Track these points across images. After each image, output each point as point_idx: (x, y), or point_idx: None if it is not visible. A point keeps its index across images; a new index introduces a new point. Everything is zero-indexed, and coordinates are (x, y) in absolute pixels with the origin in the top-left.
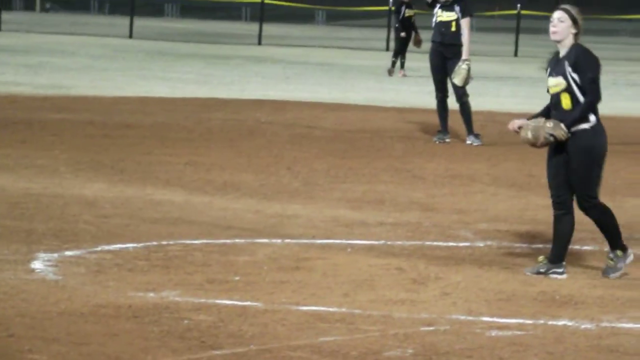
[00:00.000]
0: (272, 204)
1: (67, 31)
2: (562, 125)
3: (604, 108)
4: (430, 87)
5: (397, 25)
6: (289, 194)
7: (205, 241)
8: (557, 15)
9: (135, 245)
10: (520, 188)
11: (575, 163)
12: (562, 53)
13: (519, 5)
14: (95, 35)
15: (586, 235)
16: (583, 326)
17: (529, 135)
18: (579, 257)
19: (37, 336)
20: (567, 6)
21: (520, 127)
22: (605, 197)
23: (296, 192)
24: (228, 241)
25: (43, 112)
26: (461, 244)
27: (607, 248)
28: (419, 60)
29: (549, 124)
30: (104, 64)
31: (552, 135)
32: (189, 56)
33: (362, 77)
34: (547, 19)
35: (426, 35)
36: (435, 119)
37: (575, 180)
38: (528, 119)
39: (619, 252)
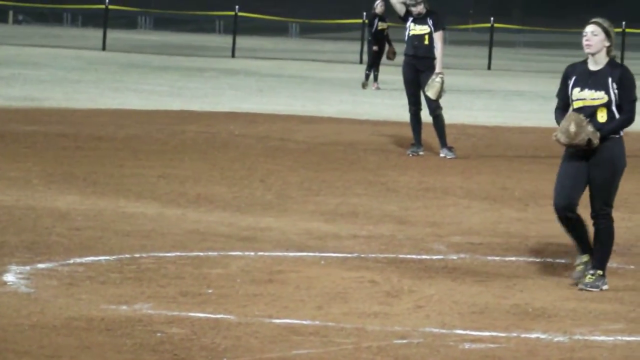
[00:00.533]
0: (245, 217)
1: (39, 43)
2: (598, 133)
3: None
4: (403, 100)
5: (369, 38)
6: (262, 206)
7: (178, 254)
8: (591, 29)
9: (107, 257)
10: (493, 201)
11: (599, 171)
12: (596, 67)
13: (492, 19)
14: (68, 47)
15: (559, 248)
16: (556, 339)
17: (572, 128)
18: (552, 269)
19: (9, 349)
20: (599, 20)
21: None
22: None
23: (269, 205)
24: (201, 254)
25: (15, 124)
26: (434, 257)
27: (582, 265)
28: (392, 74)
29: (591, 127)
30: (76, 76)
31: (590, 139)
32: (162, 69)
33: (336, 90)
34: (519, 32)
35: (399, 48)
36: (408, 132)
37: (597, 188)
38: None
39: (599, 272)
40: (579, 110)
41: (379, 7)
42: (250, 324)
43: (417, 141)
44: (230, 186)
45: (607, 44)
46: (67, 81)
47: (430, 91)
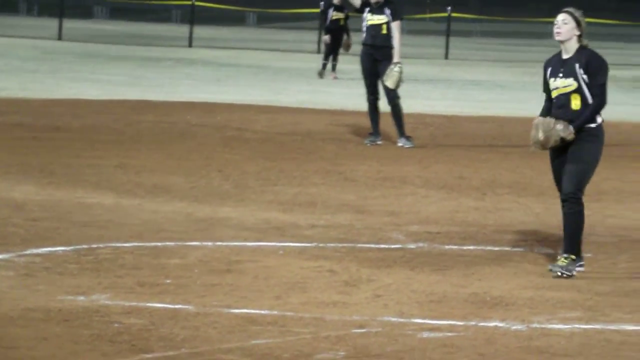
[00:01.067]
0: (203, 207)
1: None
2: (571, 127)
3: (532, 110)
4: (361, 90)
5: (325, 28)
6: (220, 196)
7: (135, 244)
8: (561, 17)
9: (65, 248)
10: (451, 190)
11: (574, 157)
12: (567, 55)
13: (449, 8)
14: (24, 37)
15: (517, 237)
16: (514, 327)
17: (540, 136)
18: (510, 258)
19: None
20: (570, 9)
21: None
22: (534, 198)
23: (227, 195)
24: (159, 244)
25: None
26: (393, 246)
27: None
28: (350, 63)
29: (559, 125)
30: (33, 66)
31: (561, 139)
32: (119, 58)
33: (294, 79)
34: (476, 21)
35: (357, 38)
36: (366, 122)
37: (570, 171)
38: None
39: (572, 257)
40: (556, 99)
41: None
42: (208, 314)
43: (375, 130)
44: (187, 176)
45: (577, 32)
46: (23, 71)
47: (389, 81)
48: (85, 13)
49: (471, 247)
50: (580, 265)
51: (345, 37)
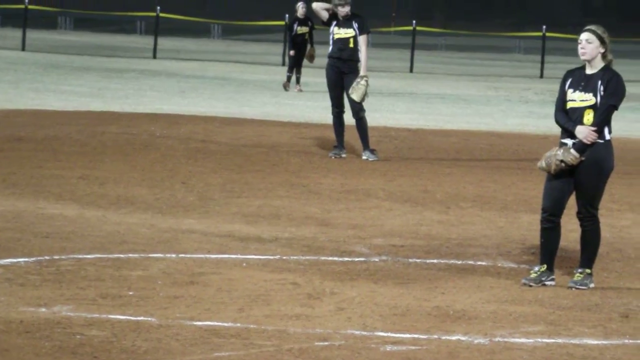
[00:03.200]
0: (166, 219)
1: None
2: (572, 151)
3: (496, 124)
4: (326, 103)
5: (288, 41)
6: (183, 208)
7: (98, 256)
8: (585, 37)
9: (26, 259)
10: (415, 203)
11: (585, 175)
12: (591, 71)
13: (414, 22)
14: None
15: (480, 250)
16: (476, 341)
17: (543, 164)
18: (473, 272)
19: None
20: (593, 27)
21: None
22: (497, 212)
23: (191, 207)
24: (122, 256)
25: None
26: (356, 259)
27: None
28: (314, 76)
29: (560, 151)
30: None
31: (562, 161)
32: (82, 69)
33: (258, 91)
34: (441, 35)
35: (323, 51)
36: (331, 134)
37: (583, 190)
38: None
39: (587, 270)
40: (570, 111)
41: (300, 9)
42: (171, 326)
43: (340, 143)
44: (151, 188)
45: (602, 50)
46: None
47: (355, 94)
48: (49, 24)
49: (435, 261)
50: (552, 279)
51: (309, 47)
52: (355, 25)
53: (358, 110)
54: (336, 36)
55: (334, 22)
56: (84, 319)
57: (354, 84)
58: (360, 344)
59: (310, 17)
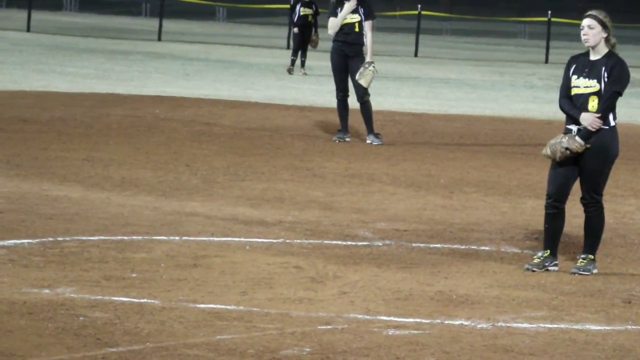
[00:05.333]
0: (170, 201)
1: None
2: (577, 138)
3: (500, 109)
4: (330, 86)
5: (293, 23)
6: (187, 191)
7: (102, 238)
8: (587, 22)
9: (30, 241)
10: (418, 188)
11: (590, 161)
12: (595, 57)
13: (419, 6)
14: None
15: (483, 235)
16: (479, 326)
17: (548, 151)
18: (476, 257)
19: None
20: (594, 12)
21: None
22: (501, 197)
23: (195, 190)
24: (125, 238)
25: None
26: (360, 243)
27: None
28: (319, 59)
29: (565, 139)
30: (0, 58)
31: (567, 149)
32: (87, 51)
33: (263, 74)
34: (446, 20)
35: (325, 35)
36: (335, 118)
37: (588, 176)
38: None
39: (590, 256)
40: (574, 98)
41: None
42: (174, 308)
43: (344, 127)
44: (155, 170)
45: (604, 34)
46: None
47: (363, 80)
48: (54, 5)
49: (438, 245)
50: (555, 265)
51: (313, 33)
52: (361, 10)
53: (363, 94)
54: (342, 21)
55: (339, 8)
56: (87, 301)
57: (361, 70)
58: (363, 328)
59: (314, 1)
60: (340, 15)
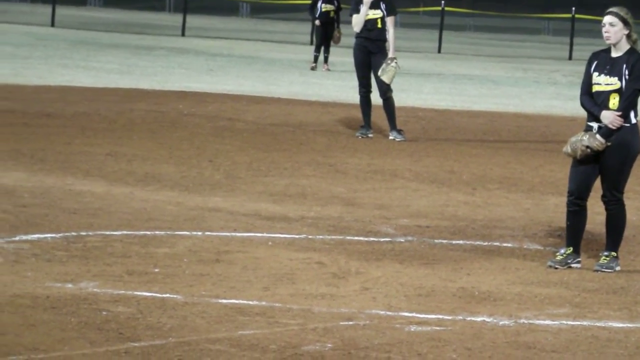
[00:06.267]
0: (193, 197)
1: None
2: (598, 136)
3: (524, 106)
4: (353, 82)
5: (314, 19)
6: (210, 186)
7: (125, 232)
8: (608, 19)
9: (54, 235)
10: (441, 184)
11: (611, 158)
12: (617, 54)
13: (443, 2)
14: (17, 23)
15: (506, 232)
16: (501, 322)
17: (568, 149)
18: (499, 254)
19: None
20: (615, 9)
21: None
22: (523, 194)
23: (218, 185)
24: (148, 233)
25: None
26: (382, 239)
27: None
28: (342, 55)
29: (585, 136)
30: (25, 52)
31: (588, 147)
32: (111, 46)
33: (286, 70)
34: (470, 16)
35: (348, 31)
36: (358, 114)
37: (608, 173)
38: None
39: (613, 253)
40: (595, 95)
41: None
42: (196, 303)
43: (367, 123)
44: (178, 165)
45: (626, 31)
46: (16, 57)
47: (385, 76)
48: (78, 0)
49: (460, 242)
50: (578, 262)
51: (335, 28)
52: (383, 6)
53: (386, 90)
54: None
55: (361, 4)
56: (110, 295)
57: (384, 66)
58: (385, 324)
59: None
60: (362, 11)
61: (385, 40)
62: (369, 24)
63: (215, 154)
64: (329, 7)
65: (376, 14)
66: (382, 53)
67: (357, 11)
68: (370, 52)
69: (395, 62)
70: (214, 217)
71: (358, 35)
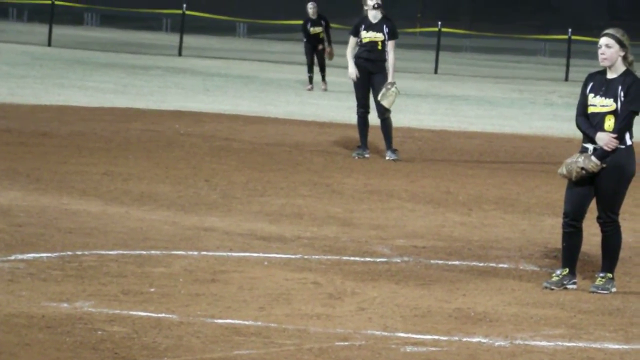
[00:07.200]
0: (189, 216)
1: None
2: (593, 158)
3: (520, 127)
4: (350, 102)
5: (304, 40)
6: (206, 206)
7: (120, 252)
8: (604, 41)
9: (49, 255)
10: (437, 205)
11: (606, 180)
12: (612, 75)
13: (439, 23)
14: (14, 42)
15: (502, 253)
16: (497, 343)
17: (564, 171)
18: (495, 274)
19: None
20: (612, 30)
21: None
22: (520, 215)
23: (214, 205)
24: (144, 252)
25: None
26: (378, 260)
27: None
28: (339, 75)
29: (581, 158)
30: (21, 72)
31: (583, 169)
32: (108, 65)
33: (283, 90)
34: (467, 37)
35: (339, 50)
36: (355, 134)
37: (604, 195)
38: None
39: (609, 275)
40: (590, 116)
41: (310, 9)
42: (192, 323)
43: (364, 144)
44: (174, 185)
45: (622, 53)
46: (12, 76)
47: (386, 101)
48: (75, 20)
49: (456, 263)
50: (574, 283)
51: (327, 45)
52: (385, 29)
53: (384, 110)
54: (365, 39)
55: (362, 26)
56: (106, 315)
57: (384, 90)
58: (381, 345)
59: (324, 16)
60: (350, 66)
61: (385, 60)
62: (369, 45)
63: (211, 173)
64: (317, 29)
65: (377, 37)
66: (382, 73)
67: (356, 34)
68: (370, 72)
69: (396, 87)
70: (210, 236)
71: (358, 56)
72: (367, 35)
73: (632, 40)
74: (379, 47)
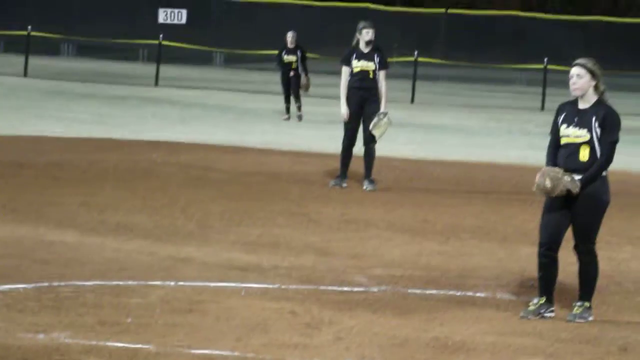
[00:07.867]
0: (166, 246)
1: None
2: (577, 182)
3: (497, 156)
4: (326, 132)
5: (279, 68)
6: (183, 236)
7: (97, 282)
8: (575, 71)
9: (25, 286)
10: (415, 234)
11: (582, 209)
12: (584, 105)
13: (416, 52)
14: None
15: (479, 282)
16: None
17: (548, 184)
18: (472, 303)
19: None
20: (582, 60)
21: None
22: (497, 243)
23: (190, 235)
24: (120, 283)
25: None
26: (355, 289)
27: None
28: (315, 105)
29: (567, 177)
30: None
31: (568, 190)
32: (84, 96)
33: (259, 120)
34: (442, 66)
35: (315, 80)
36: (332, 163)
37: (580, 225)
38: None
39: (586, 304)
40: (564, 147)
41: (288, 38)
42: (169, 354)
43: (343, 174)
44: (151, 215)
45: (593, 82)
46: None
47: (377, 131)
48: (51, 50)
49: (434, 292)
50: (551, 311)
51: (303, 76)
52: (377, 59)
53: (370, 140)
54: (356, 69)
55: (354, 55)
56: (82, 346)
57: (376, 120)
58: None
59: (301, 46)
60: (342, 105)
61: (377, 87)
62: (361, 74)
63: (188, 203)
64: (291, 57)
65: (369, 66)
66: (375, 100)
67: (347, 62)
68: (364, 99)
69: (388, 117)
70: (186, 266)
71: (352, 86)
72: (358, 65)
73: (605, 69)
74: (370, 76)
